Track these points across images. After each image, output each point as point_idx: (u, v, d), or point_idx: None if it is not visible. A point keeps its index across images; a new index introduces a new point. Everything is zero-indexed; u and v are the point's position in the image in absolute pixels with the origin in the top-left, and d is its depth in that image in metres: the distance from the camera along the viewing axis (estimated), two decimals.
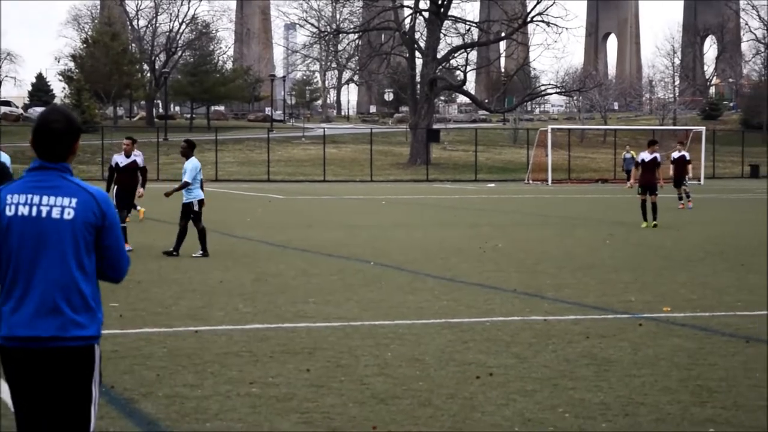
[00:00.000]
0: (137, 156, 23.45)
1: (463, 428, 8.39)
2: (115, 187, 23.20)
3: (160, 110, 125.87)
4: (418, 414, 8.81)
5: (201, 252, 21.89)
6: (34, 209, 5.31)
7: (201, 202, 22.37)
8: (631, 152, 66.25)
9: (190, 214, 22.19)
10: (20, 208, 5.31)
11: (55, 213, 5.30)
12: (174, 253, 22.01)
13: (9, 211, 5.32)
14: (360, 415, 8.78)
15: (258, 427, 8.40)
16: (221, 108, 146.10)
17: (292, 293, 16.21)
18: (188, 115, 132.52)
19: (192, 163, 22.22)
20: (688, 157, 40.00)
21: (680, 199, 40.51)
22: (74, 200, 5.31)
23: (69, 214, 5.29)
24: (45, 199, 5.32)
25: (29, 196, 5.33)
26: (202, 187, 22.54)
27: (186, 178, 22.18)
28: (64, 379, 5.28)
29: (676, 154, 39.12)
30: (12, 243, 5.31)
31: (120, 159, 23.35)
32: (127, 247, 22.67)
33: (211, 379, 10.10)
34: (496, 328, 13.07)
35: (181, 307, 14.82)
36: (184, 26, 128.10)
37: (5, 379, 5.40)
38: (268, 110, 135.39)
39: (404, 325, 13.23)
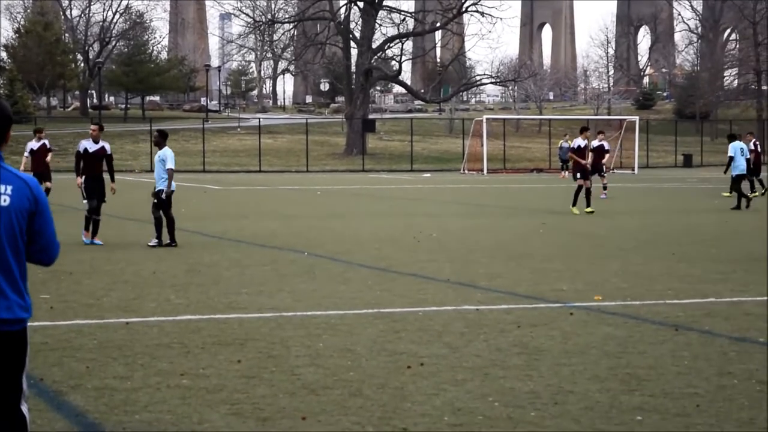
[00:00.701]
0: (105, 143, 23.21)
1: (393, 418, 8.39)
2: (83, 176, 22.94)
3: (94, 100, 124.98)
4: (348, 404, 8.80)
5: (156, 240, 21.86)
6: None
7: (170, 194, 22.21)
8: (569, 141, 66.54)
9: (155, 199, 22.13)
10: None
11: None
12: (172, 243, 21.89)
13: None
14: (290, 405, 8.76)
15: (187, 419, 8.35)
16: (156, 98, 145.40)
17: (225, 284, 16.15)
18: (123, 106, 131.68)
19: (170, 151, 22.27)
20: (606, 147, 40.02)
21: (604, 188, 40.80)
22: (9, 187, 5.37)
23: (5, 201, 5.35)
24: None
25: None
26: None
27: (169, 165, 22.16)
28: (6, 356, 5.40)
29: (595, 143, 39.23)
30: None
31: (89, 145, 22.96)
32: (98, 240, 22.53)
33: (141, 371, 10.04)
34: (428, 317, 13.10)
35: (112, 298, 14.72)
36: (117, 16, 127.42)
37: None
38: (203, 100, 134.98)
39: (336, 316, 13.22)
